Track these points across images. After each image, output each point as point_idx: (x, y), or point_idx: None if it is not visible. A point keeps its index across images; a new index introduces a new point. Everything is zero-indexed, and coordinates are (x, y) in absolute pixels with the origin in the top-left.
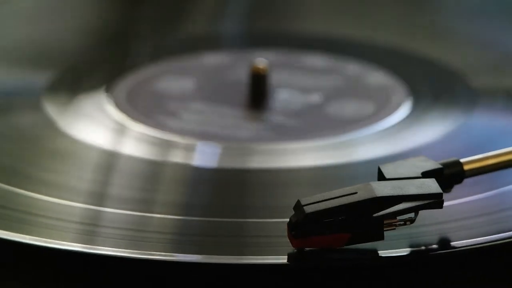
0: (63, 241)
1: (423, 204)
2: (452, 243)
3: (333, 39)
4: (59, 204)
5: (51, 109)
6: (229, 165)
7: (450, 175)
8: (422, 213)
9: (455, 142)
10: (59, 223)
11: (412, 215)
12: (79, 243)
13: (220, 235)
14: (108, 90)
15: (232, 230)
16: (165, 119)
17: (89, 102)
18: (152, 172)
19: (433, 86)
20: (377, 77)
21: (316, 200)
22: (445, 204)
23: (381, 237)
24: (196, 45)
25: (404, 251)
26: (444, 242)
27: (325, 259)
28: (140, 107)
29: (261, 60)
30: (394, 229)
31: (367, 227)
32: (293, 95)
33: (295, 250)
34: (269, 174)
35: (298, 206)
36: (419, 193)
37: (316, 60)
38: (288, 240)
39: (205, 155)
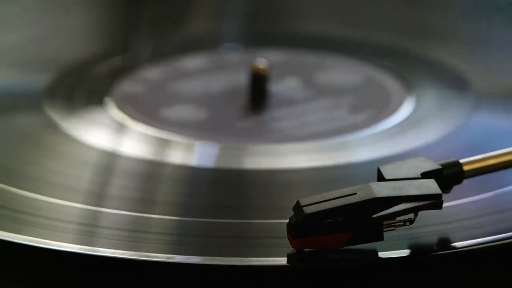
0: (62, 241)
1: (422, 204)
2: (452, 244)
3: (333, 39)
4: (58, 204)
5: (51, 109)
6: (228, 165)
7: (449, 175)
8: (421, 213)
9: (455, 142)
10: (58, 224)
11: (411, 215)
12: (78, 243)
13: (219, 236)
14: (108, 90)
15: (231, 231)
16: (165, 119)
17: (89, 103)
18: (151, 172)
19: (433, 87)
20: (377, 77)
21: (316, 200)
22: (444, 204)
23: (381, 238)
24: (196, 45)
25: (404, 252)
26: (444, 243)
27: (324, 259)
28: (140, 107)
29: (261, 60)
30: (394, 229)
31: (366, 227)
32: (291, 96)
33: (295, 251)
34: (269, 175)
35: (298, 207)
36: (419, 193)
37: (315, 60)
38: (288, 241)
39: (204, 155)
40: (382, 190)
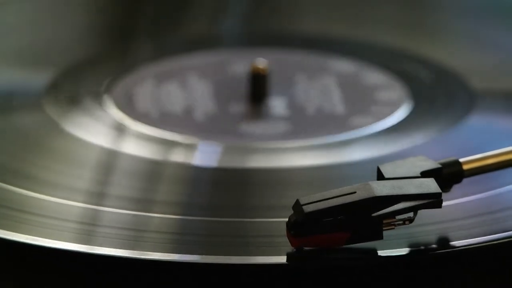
0: (63, 240)
1: (422, 203)
2: (451, 243)
3: (332, 39)
4: (58, 203)
5: (51, 108)
6: (229, 164)
7: (449, 174)
8: (421, 212)
9: (454, 142)
10: (59, 223)
11: (411, 214)
12: (78, 242)
13: (219, 234)
14: (108, 90)
15: (232, 230)
16: (165, 118)
17: (89, 102)
18: (152, 172)
19: (433, 86)
20: (377, 77)
21: (315, 199)
22: (444, 203)
23: (380, 237)
24: (196, 45)
25: (403, 251)
26: (443, 242)
27: (324, 258)
28: (140, 107)
29: (261, 60)
30: (393, 228)
31: (366, 226)
32: (291, 96)
33: (294, 250)
34: (269, 174)
35: (297, 206)
36: (418, 192)
37: (315, 60)
38: (287, 240)
39: (205, 155)
40: (381, 189)
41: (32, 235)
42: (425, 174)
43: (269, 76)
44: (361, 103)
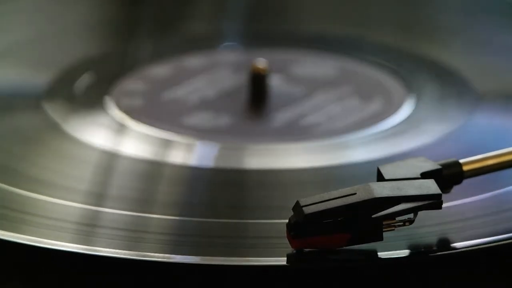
0: (62, 241)
1: (422, 205)
2: (451, 244)
3: (333, 39)
4: (57, 204)
5: (52, 109)
6: (228, 165)
7: (449, 175)
8: (421, 214)
9: (455, 143)
10: (58, 223)
11: (411, 216)
12: (77, 243)
13: (218, 236)
14: (108, 90)
15: (231, 231)
16: (164, 118)
17: (89, 102)
18: (150, 172)
19: (433, 87)
20: (377, 77)
21: (315, 200)
22: (444, 205)
23: (380, 238)
24: (196, 45)
25: (403, 252)
26: (443, 243)
27: (324, 260)
28: (140, 107)
29: (261, 60)
30: (393, 230)
31: (366, 228)
32: (292, 95)
33: (294, 251)
34: (268, 175)
35: (297, 207)
36: (418, 193)
37: (315, 60)
38: (287, 241)
39: (204, 155)
40: (381, 190)
41: (32, 236)
42: (425, 175)
43: (269, 76)
44: (361, 104)
